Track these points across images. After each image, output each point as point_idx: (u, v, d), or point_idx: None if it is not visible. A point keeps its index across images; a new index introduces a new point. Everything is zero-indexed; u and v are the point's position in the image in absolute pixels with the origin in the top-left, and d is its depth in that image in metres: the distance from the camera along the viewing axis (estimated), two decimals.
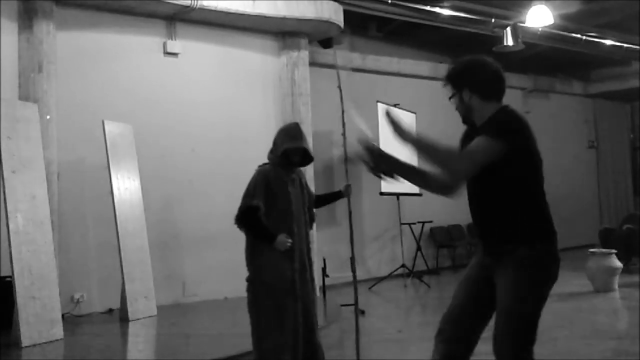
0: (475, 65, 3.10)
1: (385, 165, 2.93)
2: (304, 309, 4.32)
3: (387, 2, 9.55)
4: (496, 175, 2.86)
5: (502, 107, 3.04)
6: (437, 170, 2.88)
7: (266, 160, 4.50)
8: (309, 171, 9.40)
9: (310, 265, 4.50)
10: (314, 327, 4.40)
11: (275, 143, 4.51)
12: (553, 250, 2.99)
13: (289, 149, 4.38)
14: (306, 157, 4.54)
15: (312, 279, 4.52)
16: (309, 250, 4.50)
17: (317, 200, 4.76)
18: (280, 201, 4.34)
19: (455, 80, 3.07)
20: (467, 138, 3.06)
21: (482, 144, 2.82)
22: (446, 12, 10.06)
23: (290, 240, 4.25)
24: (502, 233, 2.94)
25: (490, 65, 3.09)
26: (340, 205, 11.30)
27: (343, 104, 4.65)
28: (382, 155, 2.92)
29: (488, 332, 2.98)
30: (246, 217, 4.28)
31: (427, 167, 2.91)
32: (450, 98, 3.11)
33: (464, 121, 3.13)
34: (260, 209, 4.24)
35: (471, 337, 3.01)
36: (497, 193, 2.91)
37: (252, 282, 4.35)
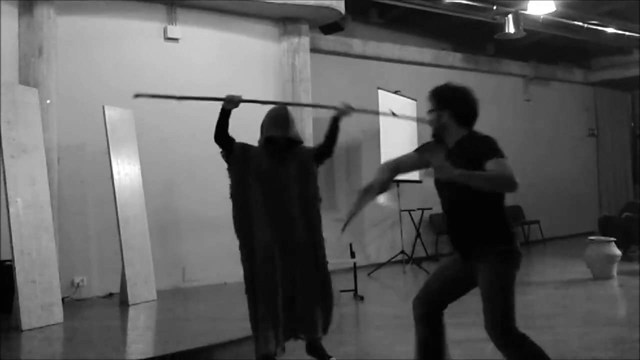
0: (460, 94, 3.55)
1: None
2: (284, 280, 4.45)
3: None
4: (472, 189, 3.32)
5: (474, 132, 3.53)
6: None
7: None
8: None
9: (296, 242, 4.55)
10: (294, 301, 4.48)
11: (261, 127, 4.72)
12: (513, 249, 3.47)
13: (271, 137, 4.60)
14: (294, 141, 4.65)
15: (301, 251, 4.56)
16: (308, 227, 4.59)
17: (324, 145, 4.71)
18: (252, 175, 4.60)
19: (440, 101, 3.54)
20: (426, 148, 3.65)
21: (504, 164, 3.28)
22: None
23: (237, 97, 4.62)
24: (476, 239, 3.48)
25: (472, 97, 3.55)
26: (340, 192, 11.31)
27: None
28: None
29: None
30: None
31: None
32: (428, 112, 3.58)
33: (433, 136, 3.62)
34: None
35: (441, 306, 3.66)
36: (472, 204, 3.43)
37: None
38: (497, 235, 3.47)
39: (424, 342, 3.66)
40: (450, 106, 3.50)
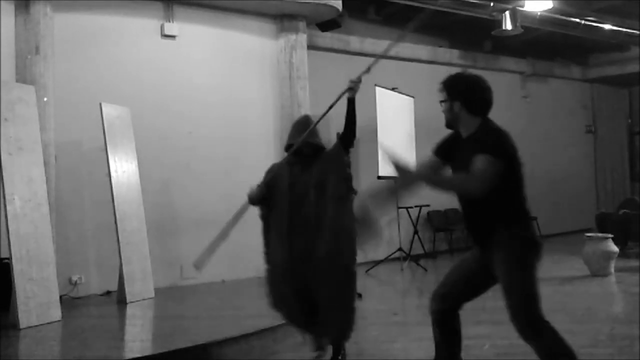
0: (471, 83, 3.54)
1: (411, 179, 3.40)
2: (303, 295, 4.49)
3: None
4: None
5: (487, 123, 3.49)
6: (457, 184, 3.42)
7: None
8: None
9: (313, 247, 4.51)
10: (316, 309, 4.51)
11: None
12: (530, 236, 3.41)
13: (290, 145, 4.67)
14: (316, 147, 4.68)
15: (322, 261, 4.50)
16: (337, 228, 4.54)
17: (345, 129, 4.71)
18: (277, 192, 4.61)
19: (450, 90, 3.51)
20: (452, 145, 3.59)
21: (488, 164, 3.27)
22: None
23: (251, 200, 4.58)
24: (490, 227, 3.41)
25: (485, 86, 3.53)
26: None
27: None
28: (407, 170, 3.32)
29: None
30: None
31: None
32: (441, 102, 3.55)
33: (447, 126, 3.60)
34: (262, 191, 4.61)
35: (457, 304, 3.61)
36: (486, 195, 3.29)
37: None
38: (512, 222, 3.40)
39: (438, 339, 3.62)
40: (460, 97, 3.48)
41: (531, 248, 3.38)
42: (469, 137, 3.49)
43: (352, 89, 4.56)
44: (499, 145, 3.35)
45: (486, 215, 3.42)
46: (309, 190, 4.56)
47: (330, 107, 4.56)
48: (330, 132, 4.89)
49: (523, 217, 3.44)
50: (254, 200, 4.62)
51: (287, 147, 4.74)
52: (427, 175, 3.45)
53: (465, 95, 3.48)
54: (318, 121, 4.65)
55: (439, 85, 3.57)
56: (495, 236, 3.38)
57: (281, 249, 4.55)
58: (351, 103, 4.63)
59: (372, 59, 4.52)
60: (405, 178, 3.33)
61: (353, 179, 4.73)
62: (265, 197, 4.63)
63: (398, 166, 3.23)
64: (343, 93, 4.56)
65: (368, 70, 4.54)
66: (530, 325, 3.27)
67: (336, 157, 4.68)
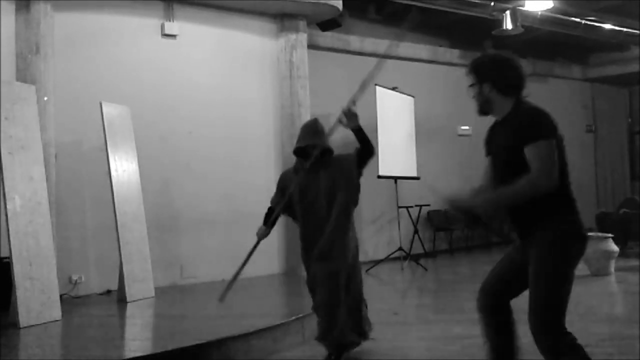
0: (500, 62, 3.34)
1: (478, 211, 3.21)
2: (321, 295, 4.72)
3: None
4: (524, 160, 3.09)
5: (521, 102, 3.29)
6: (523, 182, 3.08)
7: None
8: None
9: (329, 248, 4.66)
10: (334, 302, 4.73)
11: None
12: (575, 230, 3.17)
13: (297, 149, 4.76)
14: (323, 150, 4.71)
15: (335, 261, 4.67)
16: (335, 235, 4.67)
17: (360, 149, 4.75)
18: (292, 197, 4.72)
19: (479, 72, 3.32)
20: (492, 134, 3.40)
21: (544, 149, 3.07)
22: None
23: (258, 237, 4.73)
24: (533, 217, 3.16)
25: (514, 64, 3.34)
26: None
27: None
28: (471, 206, 3.20)
29: None
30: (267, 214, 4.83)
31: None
32: (470, 86, 3.35)
33: (480, 112, 3.37)
34: (273, 210, 4.80)
35: (504, 299, 3.37)
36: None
37: None
38: (556, 212, 3.14)
39: (489, 335, 3.39)
40: (490, 78, 3.29)
41: (575, 244, 3.15)
42: (504, 119, 3.30)
43: (346, 119, 4.52)
44: (543, 124, 3.15)
45: (529, 205, 3.12)
46: (320, 197, 4.66)
47: (330, 133, 4.63)
48: (330, 130, 4.91)
49: (568, 207, 3.17)
50: (262, 237, 4.76)
51: (296, 151, 4.79)
52: (488, 198, 3.18)
53: (494, 75, 3.29)
54: (326, 134, 4.68)
55: (466, 68, 3.38)
56: (538, 229, 3.14)
57: (303, 251, 4.83)
58: (357, 132, 4.62)
59: (369, 68, 4.53)
60: (470, 211, 3.20)
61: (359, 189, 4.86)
62: (286, 206, 4.73)
63: (457, 206, 3.19)
64: (336, 124, 4.55)
65: (353, 102, 4.55)
66: (545, 324, 3.06)
67: (348, 167, 4.71)
